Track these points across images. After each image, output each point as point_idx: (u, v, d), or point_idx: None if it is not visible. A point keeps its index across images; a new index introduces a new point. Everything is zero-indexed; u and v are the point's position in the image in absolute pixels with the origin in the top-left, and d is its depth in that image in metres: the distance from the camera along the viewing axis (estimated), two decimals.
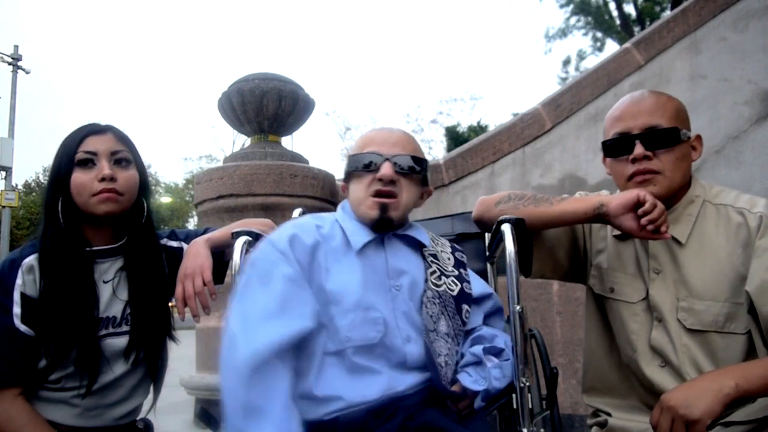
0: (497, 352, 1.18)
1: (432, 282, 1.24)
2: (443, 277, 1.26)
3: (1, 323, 1.22)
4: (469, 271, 1.35)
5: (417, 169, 1.25)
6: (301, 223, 1.23)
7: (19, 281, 1.24)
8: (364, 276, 1.18)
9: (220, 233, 1.46)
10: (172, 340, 1.43)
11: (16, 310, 1.23)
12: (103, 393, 1.30)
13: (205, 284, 1.35)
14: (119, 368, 1.32)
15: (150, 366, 1.38)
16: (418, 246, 1.30)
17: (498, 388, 1.13)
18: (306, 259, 1.15)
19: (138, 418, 1.44)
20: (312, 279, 1.15)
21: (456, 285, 1.26)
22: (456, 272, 1.29)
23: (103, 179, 1.27)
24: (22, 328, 1.23)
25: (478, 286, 1.32)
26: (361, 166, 1.24)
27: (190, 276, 1.34)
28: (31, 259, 1.26)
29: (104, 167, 1.28)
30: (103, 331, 1.30)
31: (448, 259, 1.32)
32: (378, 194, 1.22)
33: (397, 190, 1.23)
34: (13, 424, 1.21)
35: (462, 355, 1.20)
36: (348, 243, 1.22)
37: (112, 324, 1.32)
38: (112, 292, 1.33)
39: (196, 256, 1.38)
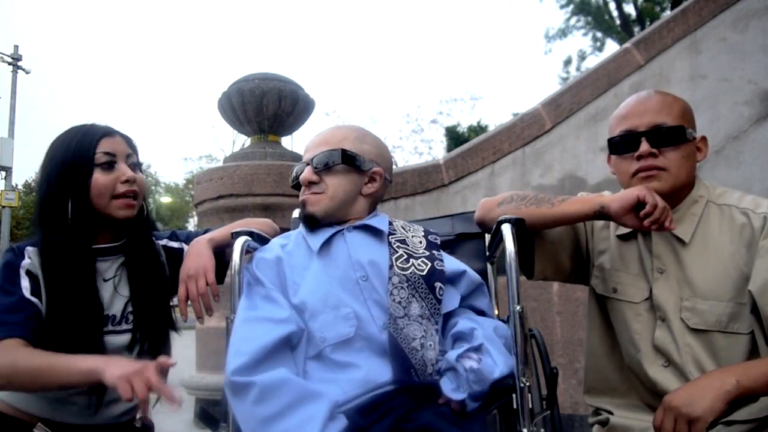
0: (475, 349, 1.15)
1: (398, 266, 1.24)
2: (411, 260, 1.26)
3: (13, 294, 1.22)
4: (443, 253, 1.34)
5: (332, 161, 1.30)
6: (267, 247, 1.32)
7: (24, 262, 1.25)
8: (329, 275, 1.22)
9: (221, 233, 1.45)
10: (175, 331, 1.43)
11: (25, 283, 1.24)
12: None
13: (208, 285, 1.34)
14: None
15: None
16: (381, 234, 1.31)
17: (480, 390, 1.11)
18: (271, 274, 1.23)
19: (137, 417, 1.44)
20: (283, 291, 1.21)
21: (426, 264, 1.26)
22: (427, 253, 1.30)
23: (126, 181, 1.29)
24: (33, 299, 1.23)
25: (451, 264, 1.31)
26: (294, 179, 1.37)
27: (193, 277, 1.34)
28: (32, 249, 1.27)
29: (126, 170, 1.30)
30: (104, 329, 1.30)
31: (420, 242, 1.33)
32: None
33: (321, 188, 1.31)
34: (29, 363, 1.15)
35: (444, 353, 1.19)
36: (311, 249, 1.27)
37: (112, 322, 1.32)
38: (113, 291, 1.33)
39: (199, 256, 1.37)
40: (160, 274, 1.40)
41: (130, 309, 1.34)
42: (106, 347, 1.29)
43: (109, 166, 1.29)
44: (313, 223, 1.30)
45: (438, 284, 1.23)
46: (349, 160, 1.31)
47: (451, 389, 1.12)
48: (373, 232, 1.31)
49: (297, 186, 1.38)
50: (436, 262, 1.27)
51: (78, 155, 1.28)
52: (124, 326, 1.33)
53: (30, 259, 1.26)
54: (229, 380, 1.06)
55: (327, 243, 1.27)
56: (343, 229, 1.30)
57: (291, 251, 1.28)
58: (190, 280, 1.33)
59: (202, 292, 1.33)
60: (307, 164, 1.32)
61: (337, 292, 1.19)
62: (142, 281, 1.36)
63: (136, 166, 1.36)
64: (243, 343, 1.10)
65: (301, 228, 1.34)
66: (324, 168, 1.30)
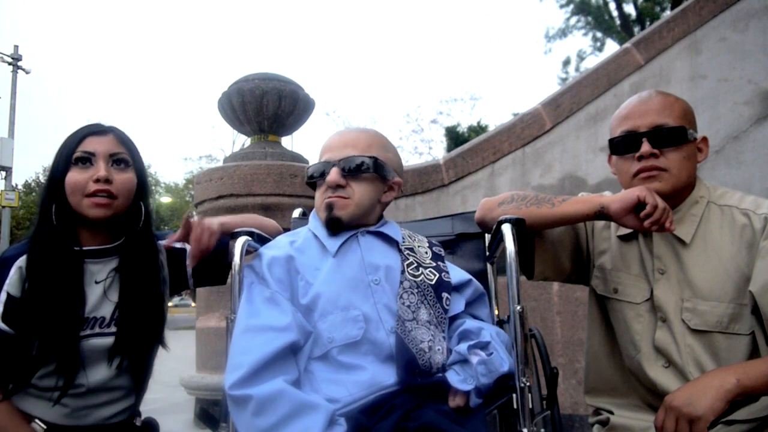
0: (483, 346, 1.17)
1: (409, 273, 1.26)
2: (420, 268, 1.28)
3: None
4: (447, 263, 1.36)
5: (363, 168, 1.28)
6: (275, 244, 1.31)
7: (8, 280, 1.24)
8: (341, 276, 1.22)
9: (234, 221, 1.43)
10: (163, 346, 1.41)
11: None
12: (92, 394, 1.29)
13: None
14: (104, 371, 1.30)
15: (133, 369, 1.35)
16: (393, 241, 1.32)
17: (486, 384, 1.12)
18: (281, 272, 1.21)
19: (142, 417, 1.43)
20: (292, 290, 1.21)
21: (434, 275, 1.28)
22: (434, 264, 1.31)
23: (97, 180, 1.26)
24: (2, 326, 1.22)
25: (456, 274, 1.33)
26: (315, 176, 1.32)
27: (199, 226, 1.33)
28: (22, 260, 1.26)
29: (100, 168, 1.27)
30: (88, 330, 1.28)
31: (426, 252, 1.35)
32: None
33: (347, 192, 1.28)
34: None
35: (450, 350, 1.20)
36: (324, 249, 1.27)
37: (100, 324, 1.30)
38: (102, 293, 1.31)
39: (210, 224, 1.36)
40: (154, 279, 1.38)
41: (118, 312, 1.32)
42: (84, 351, 1.27)
43: (85, 163, 1.27)
44: (337, 226, 1.28)
45: (445, 295, 1.25)
46: (378, 169, 1.30)
47: (458, 381, 1.12)
48: (386, 239, 1.32)
49: (312, 183, 1.35)
50: (443, 274, 1.29)
51: (61, 155, 1.28)
52: (112, 329, 1.31)
53: (11, 279, 1.24)
54: (227, 394, 1.06)
55: (341, 245, 1.27)
56: (357, 233, 1.30)
57: (302, 249, 1.27)
58: (199, 227, 1.32)
59: (207, 240, 1.32)
60: (333, 165, 1.28)
61: (348, 294, 1.19)
62: (133, 285, 1.34)
63: (123, 164, 1.31)
64: (242, 356, 1.09)
65: (313, 227, 1.33)
66: (352, 173, 1.28)
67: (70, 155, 1.27)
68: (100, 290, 1.31)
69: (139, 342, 1.34)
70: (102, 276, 1.32)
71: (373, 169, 1.29)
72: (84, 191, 1.26)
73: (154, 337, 1.39)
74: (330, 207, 1.28)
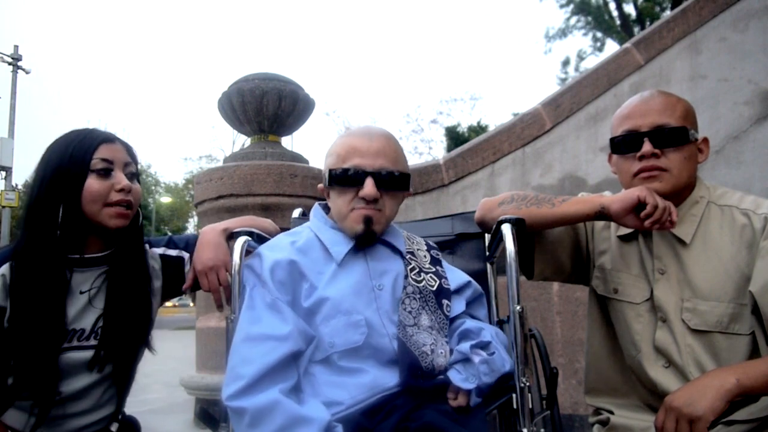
0: (484, 345, 1.17)
1: (412, 278, 1.25)
2: (422, 273, 1.28)
3: None
4: (444, 264, 1.36)
5: (398, 185, 1.26)
6: (275, 245, 1.28)
7: None
8: (345, 281, 1.21)
9: (233, 225, 1.42)
10: (149, 349, 1.39)
11: None
12: (65, 404, 1.26)
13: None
14: (82, 380, 1.27)
15: (116, 376, 1.33)
16: (395, 247, 1.31)
17: (488, 383, 1.12)
18: (283, 274, 1.19)
19: (127, 414, 1.41)
20: (294, 293, 1.19)
21: (435, 281, 1.28)
22: (433, 269, 1.31)
23: (121, 190, 1.26)
24: None
25: (454, 278, 1.33)
26: (344, 181, 1.25)
27: (214, 269, 1.33)
28: (5, 268, 1.22)
29: (122, 178, 1.27)
30: (66, 344, 1.25)
31: (425, 257, 1.34)
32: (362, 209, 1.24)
33: (380, 205, 1.25)
34: None
35: (451, 351, 1.20)
36: (328, 253, 1.25)
37: (78, 337, 1.27)
38: (85, 303, 1.28)
39: (218, 248, 1.36)
40: (142, 289, 1.35)
41: (101, 324, 1.29)
42: (61, 365, 1.24)
43: (105, 173, 1.25)
44: (370, 240, 1.26)
45: (445, 301, 1.26)
46: (407, 185, 1.29)
47: (460, 379, 1.12)
48: (389, 244, 1.31)
49: (340, 182, 1.26)
50: (443, 281, 1.29)
51: (74, 159, 1.24)
52: (92, 341, 1.28)
53: (1, 277, 1.21)
54: (225, 405, 1.06)
55: (346, 253, 1.25)
56: None
57: (304, 251, 1.25)
58: (211, 272, 1.33)
59: (225, 284, 1.32)
60: (369, 175, 1.22)
61: (351, 299, 1.18)
62: (120, 295, 1.31)
63: (134, 176, 1.31)
64: (242, 366, 1.08)
65: (316, 228, 1.31)
66: (386, 187, 1.24)
67: (86, 162, 1.24)
68: (83, 301, 1.28)
69: (122, 350, 1.32)
70: (86, 286, 1.29)
71: (405, 186, 1.28)
72: (105, 200, 1.25)
73: (138, 343, 1.36)
74: (369, 221, 1.24)
